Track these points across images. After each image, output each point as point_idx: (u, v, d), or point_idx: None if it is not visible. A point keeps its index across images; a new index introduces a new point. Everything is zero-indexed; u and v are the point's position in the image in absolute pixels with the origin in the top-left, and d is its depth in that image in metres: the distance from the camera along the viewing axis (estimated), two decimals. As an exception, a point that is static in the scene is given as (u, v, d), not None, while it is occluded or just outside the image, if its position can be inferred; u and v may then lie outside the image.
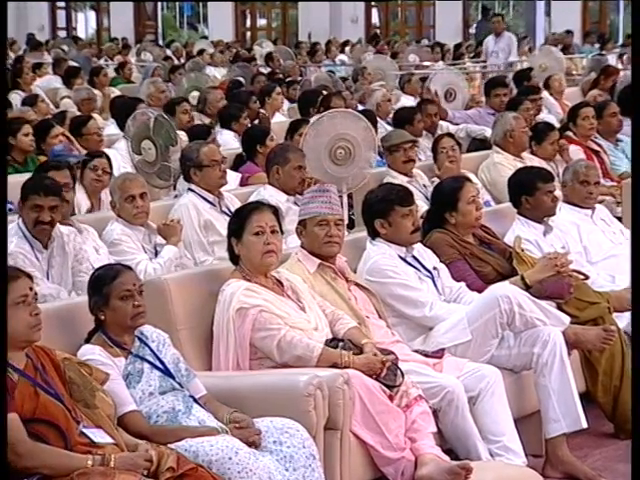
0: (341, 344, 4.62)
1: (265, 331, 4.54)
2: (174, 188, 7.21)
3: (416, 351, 5.00)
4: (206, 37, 27.21)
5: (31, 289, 3.82)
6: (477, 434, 4.70)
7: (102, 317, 4.18)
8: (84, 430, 3.76)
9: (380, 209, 5.28)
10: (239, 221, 4.71)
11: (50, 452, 3.62)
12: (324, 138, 6.77)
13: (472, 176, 7.30)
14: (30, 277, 3.88)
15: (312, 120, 6.85)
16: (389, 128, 8.98)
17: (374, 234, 5.33)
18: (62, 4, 30.22)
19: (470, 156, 8.51)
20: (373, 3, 28.49)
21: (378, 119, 9.43)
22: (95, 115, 9.71)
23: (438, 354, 4.99)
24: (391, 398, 4.52)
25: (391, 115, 9.76)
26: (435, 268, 5.38)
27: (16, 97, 11.49)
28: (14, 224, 5.29)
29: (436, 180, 7.20)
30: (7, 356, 3.64)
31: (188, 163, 6.49)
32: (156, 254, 5.92)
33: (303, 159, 6.68)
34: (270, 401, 4.25)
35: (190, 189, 6.46)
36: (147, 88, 10.85)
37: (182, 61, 18.45)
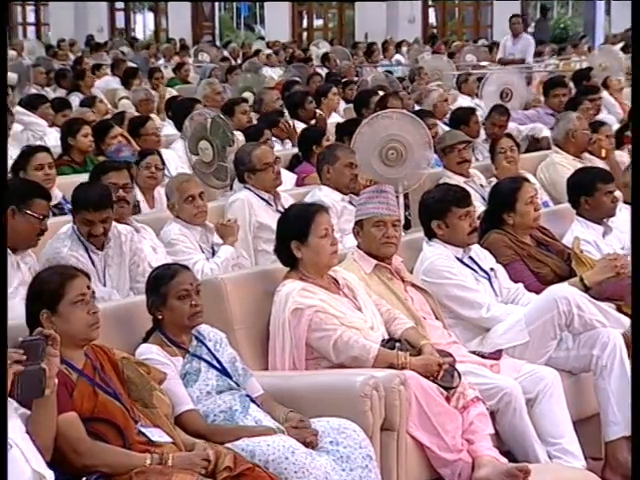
0: (398, 345, 4.60)
1: (321, 331, 4.54)
2: (231, 188, 7.22)
3: (473, 352, 4.97)
4: (263, 38, 27.30)
5: (89, 287, 3.85)
6: (535, 436, 4.67)
7: (160, 317, 4.20)
8: (142, 429, 3.79)
9: (437, 210, 5.26)
10: (302, 224, 4.67)
11: (109, 451, 3.65)
12: (375, 138, 6.74)
13: (530, 176, 7.25)
14: (88, 276, 3.91)
15: (364, 121, 6.84)
16: (446, 129, 8.94)
17: (431, 235, 5.31)
18: (121, 5, 30.47)
19: (528, 156, 8.44)
20: (430, 3, 28.40)
21: (435, 120, 9.38)
22: (152, 116, 9.77)
23: (495, 355, 4.96)
24: (448, 399, 4.50)
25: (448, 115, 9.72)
26: (492, 269, 5.34)
27: (75, 99, 11.59)
28: (69, 226, 5.32)
29: (494, 180, 7.15)
30: (68, 355, 3.67)
31: (241, 167, 6.51)
32: (213, 254, 5.94)
33: (353, 156, 6.67)
34: (326, 401, 4.25)
35: (246, 187, 6.48)
36: (204, 89, 10.90)
37: (239, 62, 18.51)
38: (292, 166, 8.02)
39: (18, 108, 9.45)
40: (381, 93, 10.52)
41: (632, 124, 4.42)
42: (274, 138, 8.60)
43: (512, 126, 9.71)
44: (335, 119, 10.45)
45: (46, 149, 6.72)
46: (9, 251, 5.02)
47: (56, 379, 3.48)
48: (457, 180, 7.11)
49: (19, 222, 4.98)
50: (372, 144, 6.79)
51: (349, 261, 5.03)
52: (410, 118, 6.84)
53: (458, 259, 5.24)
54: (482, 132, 9.16)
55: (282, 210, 6.17)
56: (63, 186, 6.64)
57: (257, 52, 20.10)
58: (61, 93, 12.87)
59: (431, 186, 5.76)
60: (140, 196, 6.77)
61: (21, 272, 5.04)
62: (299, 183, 7.64)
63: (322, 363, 4.57)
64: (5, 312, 3.13)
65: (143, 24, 33.06)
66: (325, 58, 17.74)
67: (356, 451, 3.99)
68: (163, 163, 7.01)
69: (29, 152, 6.56)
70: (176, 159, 8.24)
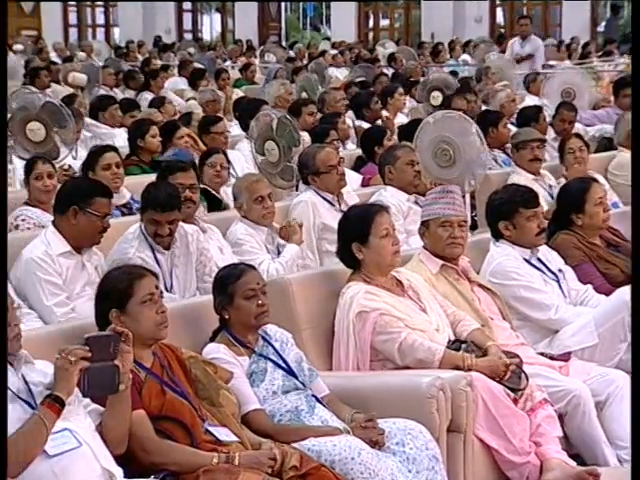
0: (464, 346, 4.58)
1: (386, 334, 4.53)
2: (296, 189, 7.23)
3: (541, 354, 4.93)
4: (329, 38, 27.30)
5: (157, 287, 3.88)
6: (604, 439, 4.61)
7: (227, 316, 4.21)
8: (209, 428, 3.81)
9: (505, 211, 5.22)
10: (363, 226, 4.67)
11: (177, 449, 3.67)
12: (431, 139, 6.71)
13: (599, 177, 7.16)
14: (156, 275, 3.95)
15: (423, 121, 6.81)
16: (514, 129, 8.87)
17: (498, 236, 5.27)
18: (188, 7, 30.67)
19: (597, 156, 8.35)
20: (498, 2, 28.19)
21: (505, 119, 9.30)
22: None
23: (564, 357, 4.91)
24: (515, 401, 4.46)
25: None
26: (561, 270, 5.29)
27: (145, 99, 11.67)
28: (136, 226, 5.35)
29: (562, 181, 7.08)
30: (136, 354, 3.68)
31: (305, 170, 6.51)
32: (279, 254, 5.95)
33: (413, 154, 6.66)
34: (392, 402, 4.23)
35: (310, 188, 6.48)
36: (276, 90, 10.92)
37: (304, 62, 18.54)
38: (357, 167, 8.01)
39: (88, 120, 9.51)
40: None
41: (632, 124, 4.36)
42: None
43: (578, 127, 9.61)
44: (401, 119, 10.42)
45: (114, 149, 6.78)
46: (74, 252, 5.07)
47: (130, 375, 3.52)
48: (526, 177, 7.07)
49: (81, 221, 5.03)
50: (427, 144, 6.76)
51: (415, 262, 5.01)
52: (462, 120, 6.77)
53: (526, 260, 5.20)
54: (550, 131, 9.07)
55: (345, 210, 6.17)
56: (131, 186, 6.70)
57: (323, 52, 20.10)
58: (129, 94, 12.98)
59: (499, 186, 5.71)
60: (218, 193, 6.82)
61: (87, 272, 5.09)
62: (364, 183, 7.63)
63: (388, 365, 4.56)
64: (5, 312, 3.13)
65: (210, 25, 33.24)
66: (391, 58, 17.69)
67: (422, 452, 3.98)
68: (228, 162, 7.04)
69: (97, 152, 6.62)
70: (242, 159, 8.27)
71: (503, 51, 19.08)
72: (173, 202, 5.24)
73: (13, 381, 3.49)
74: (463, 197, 5.65)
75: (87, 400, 3.59)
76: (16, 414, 3.40)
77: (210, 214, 6.49)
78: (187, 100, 12.08)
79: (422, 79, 12.88)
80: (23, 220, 6.07)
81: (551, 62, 17.24)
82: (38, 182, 6.20)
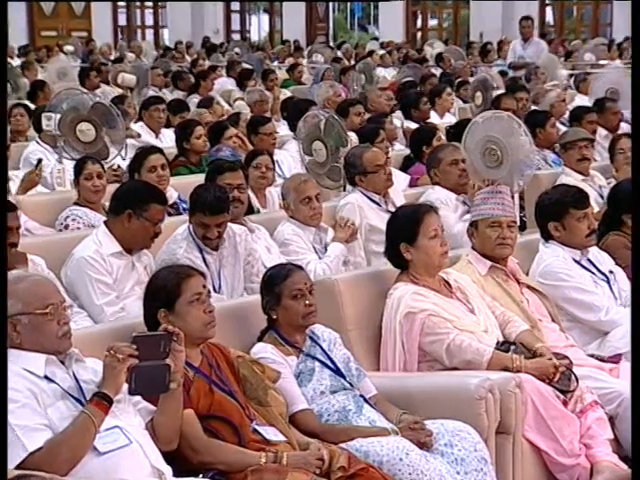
0: (513, 347, 4.55)
1: (434, 335, 4.51)
2: (344, 189, 7.23)
3: (591, 356, 4.89)
4: (376, 38, 27.26)
5: (204, 287, 3.89)
6: (656, 443, 4.56)
7: (274, 316, 4.22)
8: (257, 427, 3.82)
9: (554, 212, 5.18)
10: (411, 226, 4.65)
11: (225, 448, 3.68)
12: (478, 139, 6.67)
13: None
14: (203, 275, 3.96)
15: (472, 121, 6.78)
16: (564, 129, 8.81)
17: (548, 236, 5.23)
18: (236, 7, 30.78)
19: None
20: (547, 1, 28.00)
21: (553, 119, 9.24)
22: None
23: (614, 359, 4.86)
24: (565, 403, 4.43)
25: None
26: (611, 271, 5.24)
27: (195, 100, 11.71)
28: (185, 226, 5.37)
29: (613, 181, 7.02)
30: (185, 353, 3.70)
31: (352, 170, 6.50)
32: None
33: (455, 153, 6.66)
34: (440, 403, 4.22)
35: (357, 189, 6.48)
36: (325, 91, 10.93)
37: (352, 62, 18.52)
38: (405, 167, 8.00)
39: (133, 127, 9.53)
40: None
41: (632, 124, 4.30)
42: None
43: (624, 126, 9.51)
44: (449, 119, 10.38)
45: (159, 150, 6.80)
46: (124, 253, 5.09)
47: (182, 374, 3.54)
48: (575, 178, 7.02)
49: (134, 225, 5.05)
50: (475, 145, 6.73)
51: (463, 263, 4.99)
52: (510, 120, 6.72)
53: (576, 261, 5.15)
54: (601, 131, 8.99)
55: (392, 211, 6.16)
56: (179, 186, 6.73)
57: (370, 53, 20.07)
58: (178, 95, 13.04)
59: (549, 186, 5.67)
60: (252, 196, 6.82)
61: (137, 272, 5.12)
62: (412, 184, 7.61)
63: (436, 366, 4.54)
64: (5, 312, 3.14)
65: (258, 26, 33.32)
66: (439, 58, 17.63)
67: (471, 454, 3.97)
68: (273, 163, 7.04)
69: (142, 154, 6.64)
70: (289, 160, 8.28)
71: (552, 51, 18.92)
72: (221, 205, 5.24)
73: (64, 379, 3.52)
74: (512, 197, 5.62)
75: (137, 398, 3.61)
76: (67, 412, 3.44)
77: (258, 214, 6.50)
78: (235, 100, 12.11)
79: (471, 79, 12.83)
80: (73, 220, 6.11)
81: (601, 62, 17.08)
82: (88, 182, 6.24)
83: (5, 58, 13.89)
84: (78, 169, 6.34)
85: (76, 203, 6.26)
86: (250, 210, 6.63)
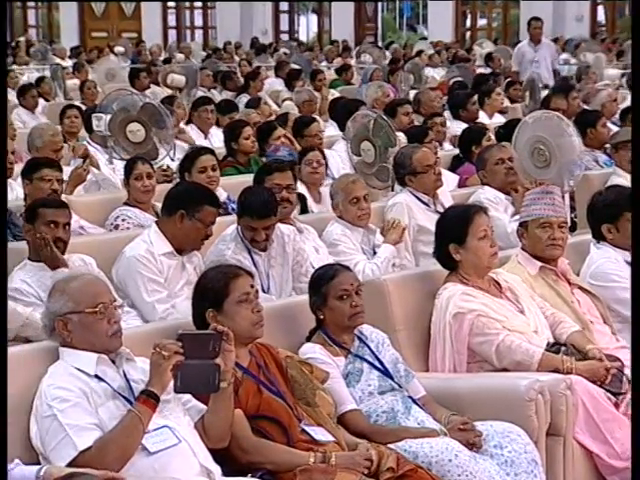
0: (563, 349, 4.52)
1: (483, 336, 4.48)
2: (392, 189, 7.21)
3: (643, 358, 4.83)
4: (425, 38, 27.20)
5: (252, 286, 3.90)
6: None
7: (321, 316, 4.21)
8: (305, 428, 3.81)
9: (608, 214, 5.13)
10: (460, 226, 4.62)
11: (274, 448, 3.68)
12: (526, 139, 6.63)
13: None
14: (251, 275, 3.96)
15: (521, 121, 6.74)
16: (615, 129, 8.72)
17: (599, 238, 5.18)
18: (285, 8, 30.85)
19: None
20: (599, 1, 27.76)
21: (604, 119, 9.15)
22: (315, 117, 9.83)
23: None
24: (617, 406, 4.39)
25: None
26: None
27: (244, 100, 11.74)
28: (234, 227, 5.37)
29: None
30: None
31: (402, 171, 6.48)
32: (374, 255, 5.94)
33: (501, 152, 6.64)
34: (490, 404, 4.20)
35: (406, 189, 6.46)
36: (374, 92, 10.92)
37: (401, 62, 18.49)
38: (453, 167, 7.96)
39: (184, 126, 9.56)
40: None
41: (632, 124, 4.24)
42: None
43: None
44: (498, 120, 10.32)
45: (210, 151, 6.82)
46: (175, 253, 5.11)
47: (232, 374, 3.55)
48: (626, 178, 6.94)
49: (186, 226, 5.07)
50: (524, 145, 6.69)
51: (513, 263, 4.96)
52: (559, 120, 6.67)
53: (627, 263, 5.09)
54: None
55: (441, 211, 6.14)
56: (228, 186, 6.74)
57: (419, 53, 20.03)
58: (226, 95, 13.08)
59: (599, 187, 5.62)
60: (306, 193, 6.84)
61: (187, 272, 5.14)
62: (461, 184, 7.58)
63: (485, 367, 4.52)
64: (5, 312, 3.16)
65: (307, 26, 33.38)
66: (489, 58, 17.56)
67: (521, 456, 3.94)
68: (325, 158, 7.04)
69: (193, 155, 6.66)
70: (338, 160, 8.28)
71: (604, 50, 18.74)
72: (269, 209, 5.22)
73: (114, 378, 3.54)
74: (562, 198, 5.58)
75: (187, 397, 3.63)
76: (117, 411, 3.46)
77: (305, 215, 6.51)
78: (283, 101, 12.13)
79: (520, 79, 12.76)
80: (123, 220, 6.15)
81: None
82: (138, 182, 6.27)
83: (5, 58, 14.01)
84: (128, 169, 6.38)
85: (126, 203, 6.30)
86: (304, 209, 6.66)
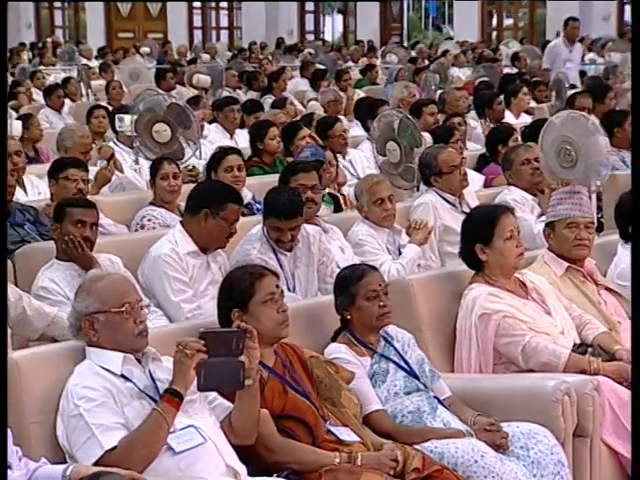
0: (590, 350, 4.50)
1: (509, 337, 4.47)
2: (417, 189, 7.20)
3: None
4: (451, 38, 27.13)
5: (277, 286, 3.90)
6: None
7: (348, 317, 4.21)
8: (331, 428, 3.81)
9: (637, 214, 5.10)
10: (487, 227, 4.61)
11: (299, 448, 3.69)
12: (552, 139, 6.61)
13: None
14: (276, 275, 3.97)
15: (548, 121, 6.71)
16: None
17: (627, 237, 5.16)
18: (311, 8, 30.86)
19: None
20: (626, 0, 27.61)
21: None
22: (340, 117, 9.82)
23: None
24: (644, 407, 4.36)
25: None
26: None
27: (269, 101, 11.76)
28: (259, 227, 5.37)
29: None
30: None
31: (427, 171, 6.47)
32: (399, 255, 5.93)
33: (526, 152, 6.62)
34: (516, 405, 4.18)
35: (431, 189, 6.46)
36: (400, 91, 10.90)
37: (426, 62, 18.46)
38: (479, 167, 7.94)
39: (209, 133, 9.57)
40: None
41: (632, 124, 4.20)
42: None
43: None
44: (524, 120, 10.29)
45: (237, 151, 6.83)
46: (200, 252, 5.12)
47: (257, 371, 3.55)
48: (655, 179, 6.89)
49: (211, 225, 5.08)
50: (550, 144, 6.67)
51: (539, 263, 4.94)
52: (585, 120, 6.64)
53: (655, 263, 5.07)
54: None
55: (467, 211, 6.12)
56: (253, 186, 6.75)
57: (444, 52, 19.98)
58: (252, 95, 13.10)
59: (627, 187, 5.58)
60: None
61: (211, 272, 5.14)
62: (487, 184, 7.56)
63: (511, 368, 4.51)
64: (5, 312, 3.16)
65: (332, 26, 33.37)
66: (515, 58, 17.49)
67: (547, 457, 3.92)
68: (336, 159, 7.02)
69: (220, 154, 6.67)
70: (363, 160, 8.28)
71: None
72: (295, 209, 5.22)
73: (140, 378, 3.55)
74: (589, 198, 5.56)
75: (213, 395, 3.63)
76: (143, 410, 3.47)
77: (330, 215, 6.51)
78: (308, 101, 12.14)
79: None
80: (149, 220, 6.16)
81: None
82: (164, 182, 6.28)
83: (5, 58, 14.04)
84: (154, 169, 6.39)
85: (152, 203, 6.31)
86: (337, 209, 6.69)
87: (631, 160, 3.94)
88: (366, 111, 9.44)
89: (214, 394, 3.64)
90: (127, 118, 7.76)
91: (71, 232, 4.92)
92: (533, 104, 11.53)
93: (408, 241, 5.95)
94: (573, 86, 12.28)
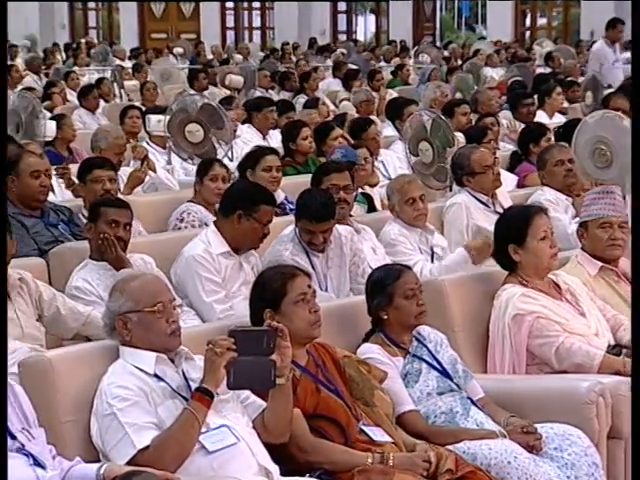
0: (625, 351, 4.47)
1: (542, 338, 4.45)
2: (450, 189, 7.18)
3: None
4: (484, 37, 27.04)
5: (309, 286, 3.90)
6: None
7: (385, 316, 4.19)
8: (364, 428, 3.81)
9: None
10: (520, 227, 4.60)
11: (332, 448, 3.68)
12: (587, 139, 6.57)
13: None
14: (308, 275, 3.97)
15: (582, 121, 6.67)
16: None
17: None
18: (343, 8, 30.85)
19: None
20: (660, -2, 27.38)
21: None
22: (372, 117, 9.80)
23: None
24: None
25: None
26: None
27: (302, 101, 11.76)
28: (291, 228, 5.37)
29: None
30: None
31: (460, 171, 6.45)
32: (432, 255, 5.91)
33: (561, 153, 6.59)
34: (550, 406, 4.16)
35: (464, 189, 6.43)
36: (432, 92, 10.88)
37: (459, 62, 18.41)
38: (512, 166, 7.91)
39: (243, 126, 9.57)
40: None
41: (632, 124, 4.16)
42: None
43: None
44: (559, 119, 10.24)
45: (275, 152, 6.82)
46: (232, 253, 5.13)
47: (290, 369, 3.55)
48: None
49: (244, 226, 5.08)
50: (585, 144, 6.63)
51: (573, 264, 4.92)
52: (620, 120, 6.60)
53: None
54: None
55: (500, 212, 6.09)
56: (286, 187, 6.74)
57: (476, 52, 19.91)
58: (284, 95, 13.11)
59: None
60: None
61: (244, 272, 5.15)
62: (520, 183, 7.53)
63: (545, 369, 4.49)
64: (5, 312, 3.16)
65: (364, 26, 33.35)
66: (549, 57, 17.41)
67: (582, 459, 3.90)
68: (371, 155, 7.00)
69: (259, 153, 6.65)
70: (395, 160, 8.26)
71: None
72: (327, 212, 5.20)
73: (173, 377, 3.57)
74: (623, 198, 5.52)
75: (246, 393, 3.64)
76: (176, 410, 3.48)
77: (363, 215, 6.50)
78: (341, 101, 12.13)
79: (581, 78, 12.62)
80: (189, 214, 6.14)
81: None
82: (213, 184, 6.22)
83: (5, 58, 14.09)
84: (203, 169, 6.31)
85: (190, 201, 6.28)
86: (371, 209, 6.68)
87: (631, 159, 3.92)
88: (398, 111, 9.42)
89: (247, 392, 3.65)
90: (160, 118, 7.79)
91: (105, 232, 4.94)
92: (566, 104, 11.47)
93: (465, 243, 5.84)
94: (609, 86, 12.20)
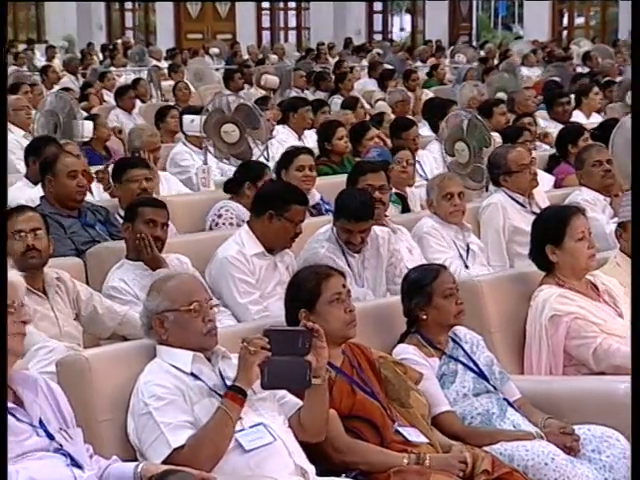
0: (664, 352, 4.42)
1: (580, 339, 4.43)
2: (486, 189, 7.16)
3: None
4: (521, 37, 26.92)
5: (344, 286, 3.89)
6: None
7: (424, 316, 4.17)
8: (399, 429, 3.80)
9: None
10: (558, 227, 4.58)
11: (367, 449, 3.68)
12: (626, 139, 6.52)
13: None
14: (343, 275, 3.96)
15: (620, 121, 6.63)
16: None
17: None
18: (379, 8, 30.82)
19: None
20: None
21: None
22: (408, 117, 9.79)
23: None
24: None
25: None
26: None
27: (338, 101, 11.75)
28: (328, 227, 5.37)
29: None
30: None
31: (496, 170, 6.43)
32: (467, 251, 5.90)
33: (599, 153, 6.56)
34: (587, 408, 4.14)
35: (500, 189, 6.41)
36: (469, 92, 10.84)
37: (495, 62, 18.34)
38: (550, 167, 7.87)
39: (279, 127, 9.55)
40: None
41: (632, 124, 4.09)
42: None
43: None
44: (596, 119, 10.18)
45: (310, 151, 6.82)
46: (266, 253, 5.13)
47: (326, 370, 3.55)
48: None
49: (276, 226, 5.08)
50: (624, 145, 6.58)
51: (611, 265, 4.89)
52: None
53: None
54: None
55: (536, 212, 6.06)
56: (321, 187, 6.74)
57: (506, 51, 19.81)
58: (320, 95, 13.11)
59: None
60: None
61: (279, 272, 5.15)
62: (558, 184, 7.49)
63: (582, 370, 4.47)
64: (5, 310, 3.16)
65: (400, 26, 33.29)
66: (586, 57, 17.31)
67: (620, 461, 3.87)
68: (414, 159, 7.01)
69: (293, 153, 6.66)
70: (431, 160, 8.24)
71: None
72: (366, 212, 5.21)
73: (210, 376, 3.57)
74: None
75: (282, 392, 3.64)
76: (212, 409, 3.48)
77: (398, 215, 6.49)
78: (376, 101, 12.12)
79: (619, 78, 12.53)
80: (227, 211, 6.15)
81: None
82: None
83: (5, 58, 14.12)
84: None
85: (231, 199, 6.27)
86: (405, 209, 6.67)
87: (631, 160, 3.89)
88: (434, 111, 9.39)
89: (283, 391, 3.65)
90: (192, 118, 7.81)
91: (142, 231, 4.96)
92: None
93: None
94: None
